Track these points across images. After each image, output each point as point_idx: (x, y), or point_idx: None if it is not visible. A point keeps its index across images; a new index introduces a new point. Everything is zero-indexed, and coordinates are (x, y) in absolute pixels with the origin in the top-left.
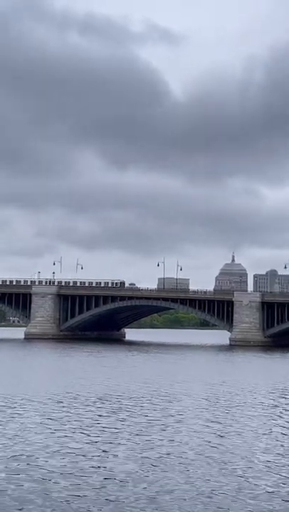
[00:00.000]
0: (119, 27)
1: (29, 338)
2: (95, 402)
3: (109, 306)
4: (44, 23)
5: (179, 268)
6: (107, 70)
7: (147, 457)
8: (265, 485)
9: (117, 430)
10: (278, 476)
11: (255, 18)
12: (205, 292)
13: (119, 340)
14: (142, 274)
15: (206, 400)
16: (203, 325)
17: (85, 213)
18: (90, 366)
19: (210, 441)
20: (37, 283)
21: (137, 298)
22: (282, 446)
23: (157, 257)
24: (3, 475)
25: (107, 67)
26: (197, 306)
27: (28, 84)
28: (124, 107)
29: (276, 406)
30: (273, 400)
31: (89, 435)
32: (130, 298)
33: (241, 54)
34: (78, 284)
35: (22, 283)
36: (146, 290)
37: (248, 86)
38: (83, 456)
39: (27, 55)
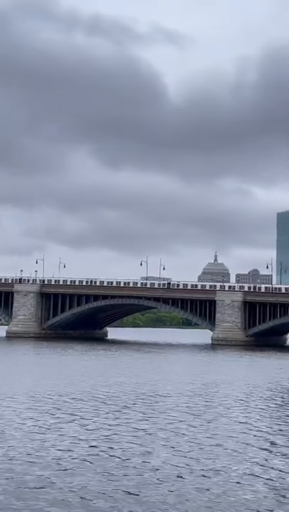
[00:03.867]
0: (125, 28)
1: (10, 337)
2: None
3: (92, 304)
4: (50, 23)
5: (162, 267)
6: (107, 70)
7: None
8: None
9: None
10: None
11: (249, 20)
12: (186, 285)
13: (102, 339)
14: (128, 273)
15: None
16: (186, 324)
17: (76, 212)
18: (64, 367)
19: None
20: (19, 281)
21: (120, 297)
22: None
23: (144, 256)
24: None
25: (108, 67)
26: (180, 305)
27: (26, 83)
28: (120, 108)
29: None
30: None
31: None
32: (112, 297)
33: (235, 55)
34: (61, 283)
35: (3, 281)
36: (126, 287)
37: (241, 87)
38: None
39: (29, 54)
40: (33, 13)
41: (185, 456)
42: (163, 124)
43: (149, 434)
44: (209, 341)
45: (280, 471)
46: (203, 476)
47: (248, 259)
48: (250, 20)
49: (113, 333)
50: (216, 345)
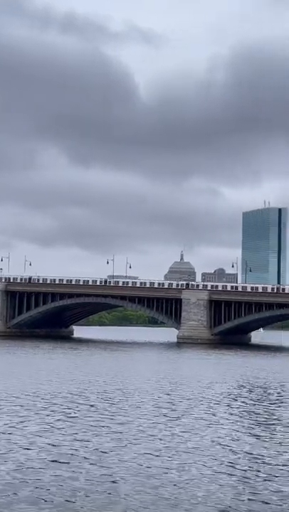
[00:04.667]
0: (99, 26)
1: None
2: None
3: (58, 303)
4: (24, 20)
5: (129, 266)
6: (79, 68)
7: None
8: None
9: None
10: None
11: (221, 19)
12: (153, 283)
13: (68, 338)
14: (96, 271)
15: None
16: (152, 323)
17: (44, 210)
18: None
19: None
20: None
21: (86, 295)
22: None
23: (111, 255)
24: None
25: (80, 65)
26: (146, 304)
27: None
28: (91, 106)
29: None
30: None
31: None
32: (79, 295)
33: (207, 54)
34: (27, 281)
35: None
36: (93, 286)
37: (212, 86)
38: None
39: (0, 50)
40: (7, 10)
41: (147, 453)
42: (134, 123)
43: (114, 432)
44: (175, 340)
45: (243, 470)
46: (164, 472)
47: (215, 258)
48: (222, 20)
49: (79, 331)
50: (181, 343)
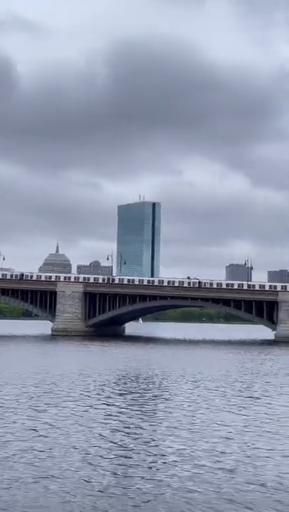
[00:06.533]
0: None
1: None
2: None
3: None
4: None
5: (2, 257)
6: None
7: None
8: None
9: None
10: None
11: (102, 13)
12: (27, 276)
13: None
14: None
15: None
16: (26, 315)
17: None
18: None
19: None
20: None
21: None
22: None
23: None
24: None
25: None
26: (19, 296)
27: None
28: None
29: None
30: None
31: None
32: None
33: (87, 47)
34: None
35: None
36: None
37: (91, 79)
38: None
39: None
40: None
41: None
42: (13, 113)
43: None
44: (49, 332)
45: (106, 470)
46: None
47: (91, 250)
48: (105, 13)
49: None
50: (56, 336)
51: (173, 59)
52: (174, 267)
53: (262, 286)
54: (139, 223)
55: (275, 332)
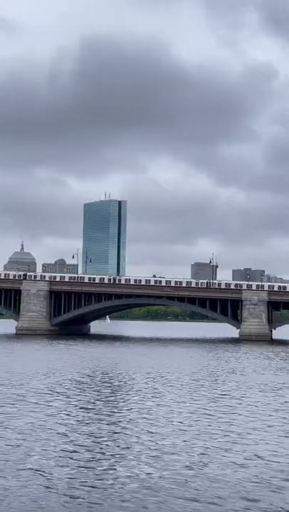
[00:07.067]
0: None
1: None
2: None
3: None
4: None
5: None
6: None
7: None
8: None
9: None
10: None
11: (70, 10)
12: None
13: None
14: None
15: None
16: None
17: None
18: None
19: None
20: None
21: None
22: None
23: None
24: None
25: None
26: None
27: None
28: None
29: None
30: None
31: None
32: None
33: (54, 44)
34: None
35: None
36: None
37: (58, 76)
38: None
39: None
40: None
41: None
42: None
43: None
44: (14, 331)
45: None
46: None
47: (56, 248)
48: (73, 11)
49: None
50: (20, 334)
51: (142, 57)
52: (140, 265)
53: (228, 284)
54: (105, 221)
55: (239, 330)
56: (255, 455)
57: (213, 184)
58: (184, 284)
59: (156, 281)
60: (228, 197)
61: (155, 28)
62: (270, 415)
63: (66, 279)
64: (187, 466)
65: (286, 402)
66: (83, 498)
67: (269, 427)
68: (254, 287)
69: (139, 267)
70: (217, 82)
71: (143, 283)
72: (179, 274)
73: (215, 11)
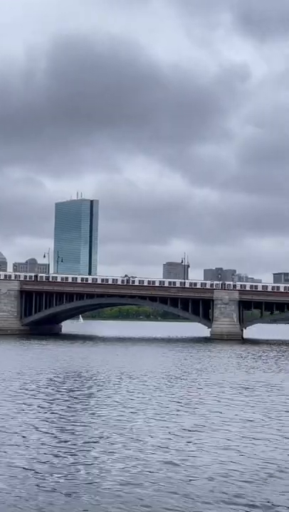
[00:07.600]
0: None
1: None
2: None
3: None
4: None
5: None
6: None
7: None
8: None
9: None
10: None
11: (42, 7)
12: None
13: None
14: None
15: None
16: None
17: None
18: None
19: None
20: None
21: None
22: None
23: None
24: None
25: None
26: None
27: None
28: None
29: None
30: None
31: None
32: None
33: (27, 42)
34: None
35: None
36: None
37: (32, 74)
38: None
39: None
40: None
41: None
42: None
43: None
44: None
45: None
46: None
47: (29, 248)
48: (45, 8)
49: None
50: None
51: (117, 57)
52: (113, 265)
53: (203, 284)
54: (77, 221)
55: (210, 329)
56: (228, 449)
57: (187, 184)
58: (156, 284)
59: (128, 280)
60: (202, 197)
61: (130, 27)
62: (243, 411)
63: (39, 279)
64: (160, 462)
65: (259, 400)
66: (55, 496)
67: (243, 422)
68: (230, 287)
69: (111, 267)
70: (192, 82)
71: (114, 282)
72: (151, 274)
73: (189, 11)
